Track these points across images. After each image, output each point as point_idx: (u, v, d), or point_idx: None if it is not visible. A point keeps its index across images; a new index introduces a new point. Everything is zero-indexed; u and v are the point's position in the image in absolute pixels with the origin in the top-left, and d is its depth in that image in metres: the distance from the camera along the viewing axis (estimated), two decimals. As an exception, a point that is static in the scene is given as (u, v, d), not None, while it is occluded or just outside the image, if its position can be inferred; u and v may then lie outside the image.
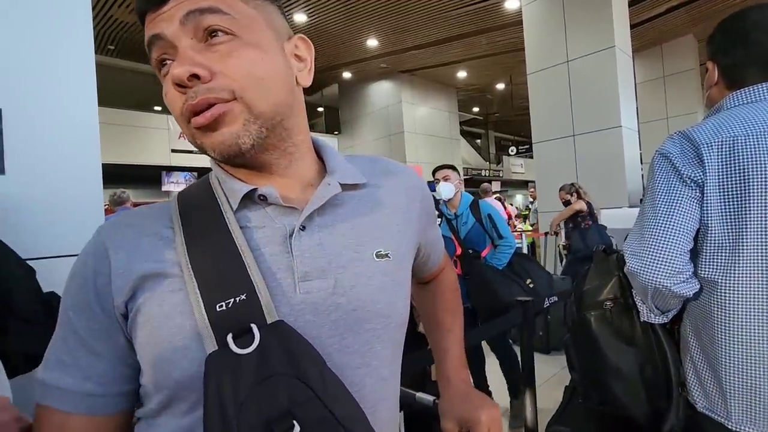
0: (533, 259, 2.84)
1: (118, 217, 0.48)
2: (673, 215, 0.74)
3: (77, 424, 0.42)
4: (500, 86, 12.29)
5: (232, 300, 0.40)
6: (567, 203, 3.77)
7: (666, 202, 0.76)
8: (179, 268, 0.42)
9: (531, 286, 2.37)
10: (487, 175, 15.32)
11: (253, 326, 0.38)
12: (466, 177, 13.01)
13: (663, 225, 0.75)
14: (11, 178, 1.04)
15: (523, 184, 16.79)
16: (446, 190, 2.51)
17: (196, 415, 0.40)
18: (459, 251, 2.44)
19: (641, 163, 5.01)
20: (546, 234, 4.75)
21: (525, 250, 7.15)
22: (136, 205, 3.97)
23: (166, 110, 9.86)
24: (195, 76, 0.40)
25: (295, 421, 0.35)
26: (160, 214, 0.47)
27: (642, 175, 4.75)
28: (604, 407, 0.83)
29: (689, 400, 0.79)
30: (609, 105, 4.38)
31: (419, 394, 0.63)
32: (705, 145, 0.75)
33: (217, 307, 0.39)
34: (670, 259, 0.73)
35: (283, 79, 0.46)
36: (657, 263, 0.74)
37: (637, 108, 5.04)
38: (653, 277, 0.74)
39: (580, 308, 0.87)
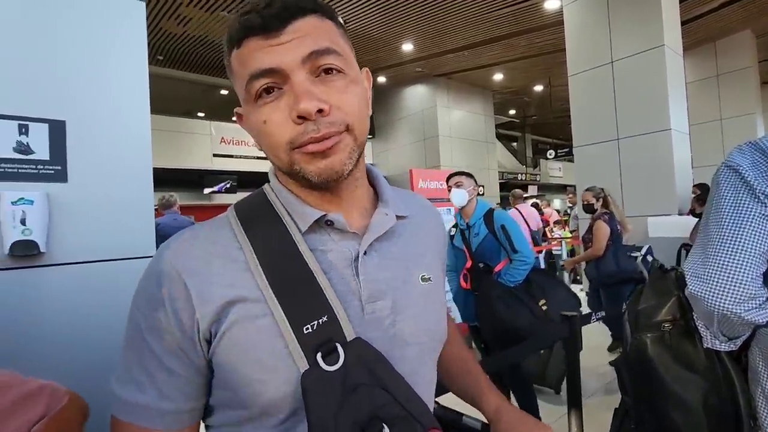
0: (555, 278, 2.43)
1: (182, 238, 0.48)
2: (742, 234, 0.68)
3: None
4: (538, 88, 11.97)
5: (316, 322, 0.44)
6: (590, 208, 3.33)
7: (734, 220, 0.70)
8: (260, 292, 0.45)
9: (545, 308, 2.06)
10: (523, 179, 14.93)
11: (337, 345, 0.43)
12: (501, 181, 12.75)
13: (731, 245, 0.68)
14: (73, 187, 1.10)
15: (561, 188, 16.24)
16: (458, 197, 2.34)
17: (284, 427, 0.44)
18: (469, 264, 2.24)
19: (692, 167, 4.72)
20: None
21: (565, 256, 6.88)
22: (182, 208, 4.12)
23: (208, 116, 10.31)
24: (320, 111, 0.43)
25: (383, 423, 0.41)
26: (223, 234, 0.49)
27: (693, 180, 4.47)
28: (662, 436, 0.78)
29: (761, 435, 0.72)
30: (657, 107, 4.16)
31: (466, 417, 0.61)
32: None
33: (304, 329, 0.43)
34: (740, 284, 0.67)
35: (368, 110, 0.50)
36: (725, 288, 0.68)
37: (687, 109, 4.76)
38: (720, 302, 0.68)
39: (636, 329, 0.81)
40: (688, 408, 0.75)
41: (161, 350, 0.44)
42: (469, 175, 2.40)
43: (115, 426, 0.47)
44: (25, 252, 0.96)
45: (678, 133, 4.19)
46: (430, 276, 0.55)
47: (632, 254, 2.95)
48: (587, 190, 3.42)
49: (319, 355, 0.42)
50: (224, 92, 11.25)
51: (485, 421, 0.63)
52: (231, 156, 9.55)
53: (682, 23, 4.73)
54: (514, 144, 18.26)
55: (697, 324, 0.77)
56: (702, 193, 3.65)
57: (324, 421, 0.40)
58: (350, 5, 6.83)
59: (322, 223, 0.49)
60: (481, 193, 10.85)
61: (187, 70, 9.54)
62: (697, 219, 3.40)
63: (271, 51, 0.43)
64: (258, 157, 9.86)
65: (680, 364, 0.77)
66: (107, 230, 1.18)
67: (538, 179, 15.50)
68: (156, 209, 3.92)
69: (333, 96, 0.44)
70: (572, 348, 1.29)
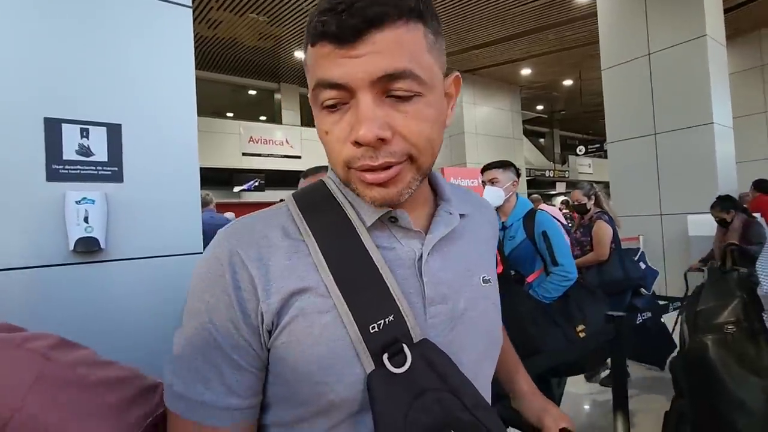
0: (598, 294, 1.93)
1: (242, 226, 0.46)
2: None
3: None
4: (568, 83, 11.65)
5: (383, 321, 0.41)
6: (582, 208, 2.99)
7: None
8: (325, 287, 0.42)
9: (582, 334, 1.67)
10: (551, 176, 14.59)
11: (404, 346, 0.41)
12: (528, 178, 12.51)
13: None
14: (128, 187, 1.15)
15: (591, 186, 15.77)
16: (492, 196, 2.00)
17: (341, 428, 0.42)
18: (500, 269, 1.86)
19: (735, 162, 4.50)
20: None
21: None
22: (218, 206, 4.23)
23: (237, 116, 10.53)
24: (380, 139, 0.39)
25: (452, 430, 0.39)
26: (284, 223, 0.46)
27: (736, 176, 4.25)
28: (724, 441, 0.75)
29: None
30: (698, 100, 3.98)
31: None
32: None
33: (371, 329, 0.41)
34: None
35: (442, 130, 0.46)
36: None
37: (730, 102, 4.53)
38: None
39: (695, 331, 0.79)
40: (752, 411, 0.72)
41: (227, 343, 0.42)
42: (508, 166, 2.08)
43: (175, 423, 0.44)
44: (88, 248, 1.02)
45: (721, 126, 4.00)
46: (489, 278, 0.53)
47: (636, 259, 2.71)
48: (577, 188, 3.11)
49: (385, 356, 0.40)
50: (252, 92, 11.47)
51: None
52: (259, 155, 9.74)
53: (725, 11, 4.50)
54: (542, 140, 17.86)
55: (766, 325, 0.74)
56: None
57: (393, 425, 0.38)
58: (376, 3, 6.82)
59: (386, 220, 0.47)
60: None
61: (217, 71, 9.79)
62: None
63: (341, 63, 0.39)
64: (285, 156, 10.02)
65: (744, 368, 0.74)
66: (159, 228, 1.23)
67: (566, 176, 15.10)
68: (197, 207, 4.05)
69: (399, 122, 0.40)
70: (618, 351, 1.25)
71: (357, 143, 0.40)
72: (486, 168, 2.09)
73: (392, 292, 0.43)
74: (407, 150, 0.41)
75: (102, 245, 1.05)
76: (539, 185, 13.90)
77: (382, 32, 0.39)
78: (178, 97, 1.31)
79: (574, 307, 1.75)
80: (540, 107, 14.81)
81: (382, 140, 0.40)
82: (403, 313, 0.42)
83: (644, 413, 2.53)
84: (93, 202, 1.04)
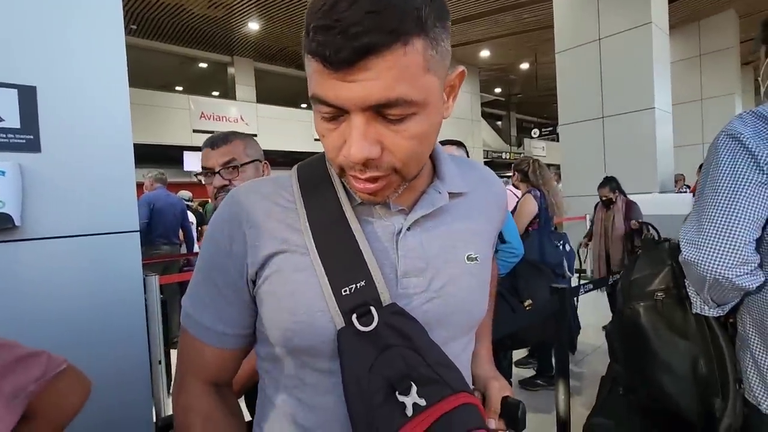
0: (544, 270, 2.04)
1: (250, 188, 0.54)
2: (737, 201, 0.69)
3: (210, 353, 0.54)
4: (524, 66, 11.91)
5: (354, 285, 0.46)
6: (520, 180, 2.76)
7: (730, 186, 0.70)
8: (305, 248, 0.49)
9: (528, 308, 1.79)
10: (507, 158, 15.03)
11: (372, 308, 0.46)
12: (486, 160, 12.81)
13: (726, 212, 0.69)
14: (47, 157, 1.04)
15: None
16: None
17: (310, 365, 0.49)
18: None
19: (673, 146, 4.80)
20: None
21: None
22: (170, 185, 4.17)
23: (187, 90, 9.94)
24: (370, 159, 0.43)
25: (411, 382, 0.43)
26: (284, 194, 0.53)
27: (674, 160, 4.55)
28: (651, 402, 0.80)
29: (746, 399, 0.75)
30: (642, 85, 4.19)
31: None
32: None
33: (343, 291, 0.46)
34: (734, 249, 0.68)
35: (436, 134, 0.49)
36: (719, 253, 0.69)
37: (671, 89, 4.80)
38: (714, 267, 0.69)
39: (628, 298, 0.83)
40: (678, 374, 0.77)
41: (221, 282, 0.51)
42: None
43: (184, 336, 0.55)
44: (0, 225, 0.91)
45: (661, 111, 4.24)
46: (477, 255, 0.54)
47: (558, 243, 2.51)
48: (514, 166, 2.91)
49: (354, 316, 0.45)
50: (203, 65, 10.83)
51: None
52: (212, 132, 9.27)
53: (669, 1, 4.72)
54: (499, 123, 18.29)
55: (688, 291, 0.78)
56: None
57: (356, 375, 0.43)
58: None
59: None
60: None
61: (164, 41, 9.12)
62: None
63: (334, 85, 0.40)
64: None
65: (672, 332, 0.78)
66: (86, 204, 1.13)
67: (523, 156, 15.64)
68: (150, 182, 3.88)
69: (389, 139, 0.42)
70: (562, 320, 1.32)
71: (349, 158, 0.43)
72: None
73: (366, 260, 0.48)
74: (393, 164, 0.44)
75: (16, 222, 0.94)
76: (496, 167, 14.28)
77: (377, 59, 0.38)
78: (105, 61, 1.19)
79: (521, 283, 1.84)
80: (498, 90, 15.10)
81: (371, 159, 0.42)
82: (374, 279, 0.47)
83: (584, 380, 2.72)
84: (3, 173, 0.93)
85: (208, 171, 1.17)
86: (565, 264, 2.48)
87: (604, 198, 3.56)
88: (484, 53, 10.65)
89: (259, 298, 0.50)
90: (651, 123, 4.15)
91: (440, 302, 0.50)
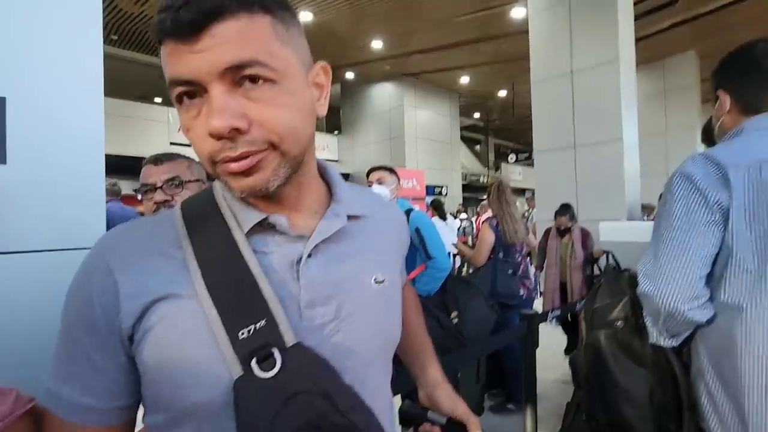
0: (473, 285, 2.01)
1: (120, 231, 0.47)
2: (690, 239, 0.74)
3: None
4: (502, 93, 12.33)
5: (253, 327, 0.41)
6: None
7: (684, 224, 0.75)
8: (194, 292, 0.42)
9: (455, 321, 1.76)
10: (485, 181, 15.36)
11: (275, 350, 0.41)
12: (464, 182, 13.03)
13: (680, 248, 0.74)
14: (13, 168, 1.01)
15: (521, 192, 16.86)
16: (380, 194, 2.08)
17: (204, 430, 0.42)
18: None
19: (639, 177, 5.03)
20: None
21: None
22: (125, 198, 3.90)
23: (166, 102, 9.82)
24: (236, 129, 0.39)
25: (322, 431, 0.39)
26: (165, 231, 0.47)
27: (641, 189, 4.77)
28: (612, 428, 0.82)
29: (701, 426, 0.78)
30: (611, 118, 4.40)
31: (431, 413, 0.62)
32: (732, 167, 0.74)
33: (240, 334, 0.41)
34: (686, 284, 0.72)
35: (310, 118, 0.46)
36: (673, 287, 0.73)
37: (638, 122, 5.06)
38: (668, 300, 0.73)
39: (591, 326, 0.86)
40: (636, 400, 0.80)
41: (89, 345, 0.43)
42: (393, 172, 2.14)
43: (43, 415, 0.46)
44: (-45, 239, 0.88)
45: (629, 144, 4.45)
46: (384, 278, 0.52)
47: (510, 272, 2.46)
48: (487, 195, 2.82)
49: (254, 361, 0.40)
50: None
51: (450, 415, 0.64)
52: (189, 145, 9.16)
53: (636, 40, 5.02)
54: (477, 147, 18.74)
55: (645, 321, 0.82)
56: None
57: (257, 430, 0.38)
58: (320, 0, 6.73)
59: (265, 225, 0.47)
60: (444, 194, 11.06)
61: (145, 53, 9.04)
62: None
63: (185, 59, 0.39)
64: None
65: (630, 360, 0.81)
66: (52, 218, 1.10)
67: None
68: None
69: (255, 111, 0.40)
70: (529, 346, 1.34)
71: (212, 135, 0.40)
72: (373, 170, 2.15)
73: (265, 296, 0.43)
74: (266, 137, 0.41)
75: (-25, 235, 0.90)
76: (474, 190, 14.56)
77: (223, 24, 0.38)
78: (80, 73, 1.17)
79: (449, 297, 1.84)
80: (477, 115, 15.54)
81: (237, 130, 0.39)
82: (275, 317, 0.42)
83: (553, 406, 2.74)
84: (-36, 184, 0.90)
85: (149, 187, 1.12)
86: (522, 293, 2.45)
87: (561, 227, 3.50)
88: (464, 79, 10.99)
89: (140, 357, 0.43)
90: (619, 153, 4.35)
91: (351, 330, 0.47)
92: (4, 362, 0.91)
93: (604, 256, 3.11)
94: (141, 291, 0.42)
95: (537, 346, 1.25)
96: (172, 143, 9.02)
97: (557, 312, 1.91)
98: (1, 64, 0.99)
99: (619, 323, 0.83)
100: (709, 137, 1.50)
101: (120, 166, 8.02)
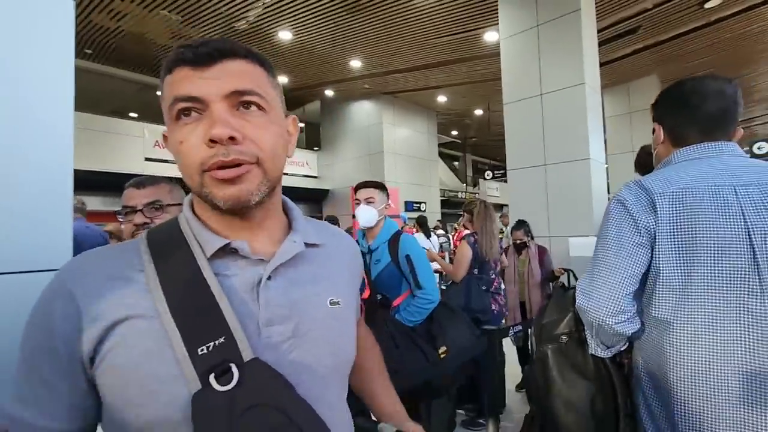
0: (462, 316, 1.89)
1: (84, 257, 0.50)
2: (619, 259, 0.80)
3: None
4: (478, 112, 12.67)
5: (212, 343, 0.44)
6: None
7: (615, 246, 0.82)
8: (156, 312, 0.45)
9: (443, 355, 1.65)
10: (463, 197, 15.60)
11: (232, 365, 0.43)
12: (442, 198, 13.21)
13: (609, 267, 0.81)
14: (-25, 189, 1.01)
15: (499, 208, 17.19)
16: (365, 216, 1.87)
17: None
18: (367, 293, 1.82)
19: (608, 193, 5.25)
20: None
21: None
22: (91, 215, 3.74)
23: (141, 117, 9.68)
24: (232, 139, 0.47)
25: None
26: (129, 257, 0.50)
27: (608, 206, 4.95)
28: (559, 437, 0.87)
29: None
30: (578, 138, 4.60)
31: (382, 425, 0.66)
32: (658, 195, 0.82)
33: (199, 351, 0.43)
34: (614, 300, 0.79)
35: (284, 152, 0.54)
36: (601, 302, 0.80)
37: (605, 141, 5.30)
38: (597, 315, 0.80)
39: (540, 341, 0.91)
40: (579, 410, 0.85)
41: (48, 369, 0.45)
42: (383, 189, 2.00)
43: None
44: None
45: (596, 162, 4.65)
46: (339, 300, 0.57)
47: (484, 289, 2.49)
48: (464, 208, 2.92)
49: (212, 376, 0.42)
50: (160, 93, 10.65)
51: (401, 429, 0.67)
52: (165, 161, 9.02)
53: (601, 65, 5.29)
54: (456, 163, 19.08)
55: (585, 334, 0.89)
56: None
57: None
58: (299, 17, 6.84)
59: (228, 250, 0.51)
60: (423, 210, 11.18)
61: (120, 67, 8.94)
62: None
63: (197, 82, 0.47)
64: (196, 164, 9.38)
65: (574, 372, 0.87)
66: (15, 239, 1.09)
67: (476, 197, 16.24)
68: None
69: (248, 129, 0.48)
70: (491, 361, 1.38)
71: (212, 141, 0.46)
72: (362, 186, 1.98)
73: (225, 315, 0.46)
74: (255, 153, 0.48)
75: (-67, 258, 0.90)
76: (452, 205, 14.77)
77: (231, 61, 0.49)
78: (50, 91, 1.18)
79: (436, 327, 1.73)
80: (455, 132, 15.87)
81: (233, 139, 0.47)
82: (234, 334, 0.45)
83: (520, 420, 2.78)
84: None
85: (129, 209, 1.15)
86: (495, 308, 2.49)
87: (517, 241, 3.46)
88: (442, 98, 11.26)
89: (100, 380, 0.45)
90: (587, 172, 4.54)
91: (308, 347, 0.51)
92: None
93: (566, 274, 3.10)
94: (101, 314, 0.45)
95: (499, 359, 1.29)
96: (146, 158, 8.87)
97: (518, 328, 1.96)
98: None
99: (563, 338, 0.89)
100: (641, 166, 1.64)
101: (93, 182, 7.83)
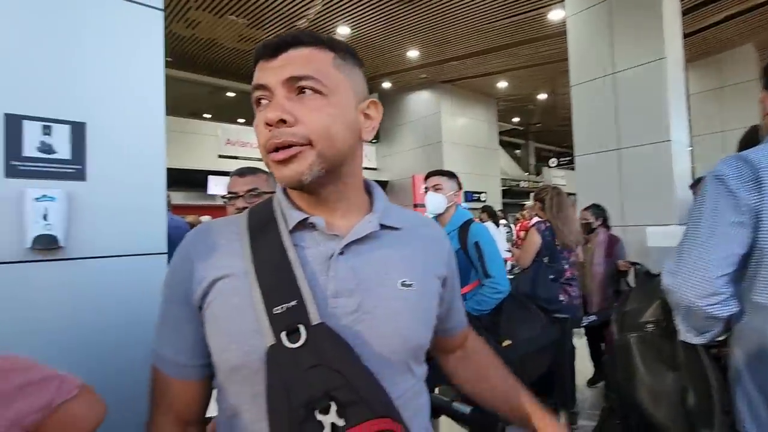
0: (533, 311, 1.85)
1: (201, 228, 0.61)
2: (713, 238, 0.74)
3: (174, 387, 0.57)
4: (542, 96, 12.03)
5: (286, 305, 0.50)
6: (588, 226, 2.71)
7: (709, 225, 0.75)
8: (245, 273, 0.53)
9: (506, 346, 1.65)
10: (526, 186, 14.97)
11: (301, 326, 0.48)
12: (503, 188, 12.77)
13: (701, 247, 0.74)
14: (91, 185, 1.15)
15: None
16: (433, 202, 1.91)
17: (246, 389, 0.51)
18: None
19: (692, 178, 4.76)
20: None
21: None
22: (187, 208, 4.19)
23: (214, 118, 10.39)
24: (282, 121, 0.51)
25: (331, 401, 0.44)
26: (231, 228, 0.59)
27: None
28: (646, 429, 0.82)
29: (737, 430, 0.76)
30: (657, 118, 4.21)
31: (456, 404, 0.66)
32: (764, 168, 0.74)
33: (274, 310, 0.50)
34: (705, 280, 0.73)
35: (350, 134, 0.56)
36: (691, 282, 0.74)
37: (689, 121, 4.80)
38: (686, 295, 0.74)
39: (621, 329, 0.86)
40: (668, 403, 0.79)
41: (176, 315, 0.57)
42: (452, 176, 2.04)
43: (152, 370, 0.60)
44: (46, 245, 1.02)
45: (678, 144, 4.24)
46: (413, 283, 0.57)
47: (552, 277, 2.40)
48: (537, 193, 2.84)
49: (283, 334, 0.48)
50: (231, 94, 11.35)
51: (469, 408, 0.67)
52: (236, 157, 9.64)
53: (685, 36, 4.79)
54: (518, 151, 18.32)
55: (675, 320, 0.82)
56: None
57: (279, 391, 0.45)
58: (356, 12, 6.92)
59: (306, 225, 0.57)
60: (483, 200, 10.90)
61: (195, 72, 9.65)
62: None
63: (264, 71, 0.54)
64: (261, 159, 9.92)
65: (662, 363, 0.81)
66: (121, 227, 1.23)
67: (546, 185, 15.47)
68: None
69: (302, 112, 0.52)
70: (561, 350, 1.33)
71: (267, 125, 0.52)
72: (431, 174, 2.05)
73: (298, 281, 0.51)
74: (306, 134, 0.52)
75: (61, 243, 1.04)
76: (514, 195, 14.24)
77: (294, 50, 0.54)
78: (146, 99, 1.32)
79: (504, 319, 1.70)
80: (516, 119, 15.22)
81: (284, 122, 0.51)
82: (304, 299, 0.50)
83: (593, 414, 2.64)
84: (53, 199, 1.04)
85: (233, 194, 1.33)
86: (563, 299, 2.38)
87: (583, 221, 3.04)
88: (502, 84, 10.84)
89: (205, 324, 0.54)
90: (667, 156, 4.14)
91: (372, 323, 0.53)
92: (80, 353, 1.05)
93: (632, 269, 2.72)
94: (206, 273, 0.54)
95: (570, 349, 1.23)
96: (220, 156, 9.53)
97: (592, 317, 1.83)
98: (81, 94, 1.14)
99: (649, 326, 0.83)
100: (746, 144, 1.46)
101: (173, 178, 8.56)
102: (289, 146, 0.51)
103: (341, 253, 0.55)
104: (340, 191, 0.58)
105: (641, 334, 0.84)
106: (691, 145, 4.59)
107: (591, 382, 2.93)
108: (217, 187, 9.64)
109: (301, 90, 0.52)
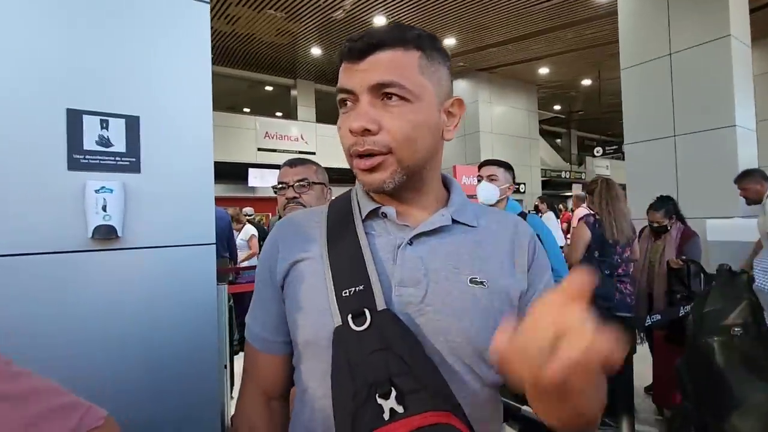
0: (606, 310, 1.83)
1: (289, 217, 0.67)
2: None
3: (261, 360, 0.63)
4: (586, 82, 11.47)
5: (354, 289, 0.52)
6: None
7: None
8: (320, 257, 0.57)
9: None
10: (567, 177, 14.39)
11: (366, 310, 0.50)
12: (544, 179, 12.34)
13: None
14: (145, 177, 1.18)
15: (608, 188, 15.48)
16: (486, 192, 1.88)
17: (316, 365, 0.54)
18: None
19: (758, 166, 4.37)
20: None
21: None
22: (227, 200, 4.34)
23: (254, 112, 10.65)
24: (367, 130, 0.52)
25: (392, 387, 0.44)
26: (313, 216, 0.64)
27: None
28: (727, 444, 0.74)
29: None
30: (721, 102, 3.88)
31: (525, 408, 0.62)
32: None
33: (343, 293, 0.52)
34: None
35: (432, 137, 0.56)
36: None
37: (755, 105, 4.40)
38: None
39: (701, 332, 0.78)
40: (755, 415, 0.71)
41: (265, 294, 0.62)
42: (509, 168, 1.99)
43: (246, 343, 0.66)
44: (106, 236, 1.06)
45: (744, 129, 3.90)
46: (484, 281, 0.54)
47: (607, 273, 2.27)
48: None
49: (350, 316, 0.50)
50: (269, 88, 11.59)
51: None
52: (274, 150, 9.85)
53: (751, 11, 4.37)
54: (558, 140, 17.62)
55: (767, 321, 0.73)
56: None
57: (344, 370, 0.47)
58: (392, 1, 6.82)
59: (379, 214, 0.59)
60: (522, 191, 10.58)
61: (234, 67, 9.91)
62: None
63: (351, 74, 0.54)
64: (300, 151, 10.09)
65: (751, 371, 0.73)
66: (173, 218, 1.26)
67: (583, 177, 14.85)
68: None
69: (386, 119, 0.52)
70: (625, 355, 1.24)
71: (351, 132, 0.53)
72: (487, 163, 2.00)
73: (367, 267, 0.53)
74: (388, 143, 0.52)
75: (119, 233, 1.08)
76: (555, 186, 13.72)
77: (380, 53, 0.53)
78: (194, 92, 1.34)
79: None
80: (557, 107, 14.61)
81: (368, 131, 0.52)
82: (372, 285, 0.52)
83: (651, 420, 2.50)
84: (111, 191, 1.08)
85: (284, 184, 1.35)
86: (617, 296, 2.24)
87: (655, 224, 2.81)
88: (543, 70, 10.41)
89: (285, 301, 0.59)
90: (732, 142, 3.81)
91: (436, 316, 0.52)
92: (134, 339, 1.08)
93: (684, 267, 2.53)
94: (289, 255, 0.60)
95: (634, 351, 1.16)
96: (259, 149, 9.77)
97: (657, 316, 1.71)
98: (136, 88, 1.16)
99: (736, 329, 0.75)
100: None
101: (215, 172, 8.86)
102: (371, 155, 0.53)
103: (410, 243, 0.56)
104: (418, 189, 0.59)
105: (725, 338, 0.76)
106: (756, 131, 4.21)
107: (648, 390, 2.63)
108: (256, 179, 9.91)
109: (385, 95, 0.52)
